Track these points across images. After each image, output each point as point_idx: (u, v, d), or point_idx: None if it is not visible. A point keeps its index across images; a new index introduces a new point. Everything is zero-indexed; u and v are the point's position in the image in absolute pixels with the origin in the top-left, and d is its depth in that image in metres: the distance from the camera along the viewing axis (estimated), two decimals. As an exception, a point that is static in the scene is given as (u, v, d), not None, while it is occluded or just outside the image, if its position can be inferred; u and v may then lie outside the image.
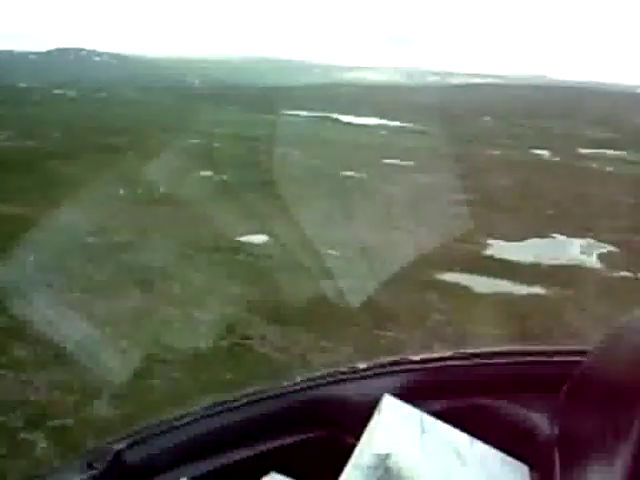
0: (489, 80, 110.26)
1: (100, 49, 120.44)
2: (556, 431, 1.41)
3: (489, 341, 11.71)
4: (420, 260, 17.64)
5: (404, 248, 17.96)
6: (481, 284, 17.06)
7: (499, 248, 20.26)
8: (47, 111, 51.39)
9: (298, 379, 1.67)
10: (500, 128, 58.78)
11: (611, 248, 21.26)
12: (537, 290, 16.93)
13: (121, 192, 22.81)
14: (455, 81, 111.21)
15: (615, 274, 19.00)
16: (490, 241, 20.90)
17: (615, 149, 52.29)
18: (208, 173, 27.37)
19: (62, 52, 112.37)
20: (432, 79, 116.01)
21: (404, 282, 15.89)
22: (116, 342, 10.85)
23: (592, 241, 21.76)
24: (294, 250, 16.95)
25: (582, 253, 20.68)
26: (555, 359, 1.65)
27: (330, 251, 17.66)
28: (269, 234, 19.44)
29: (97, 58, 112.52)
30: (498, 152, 44.64)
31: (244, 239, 19.24)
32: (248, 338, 11.90)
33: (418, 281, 16.54)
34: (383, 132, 52.86)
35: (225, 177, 26.53)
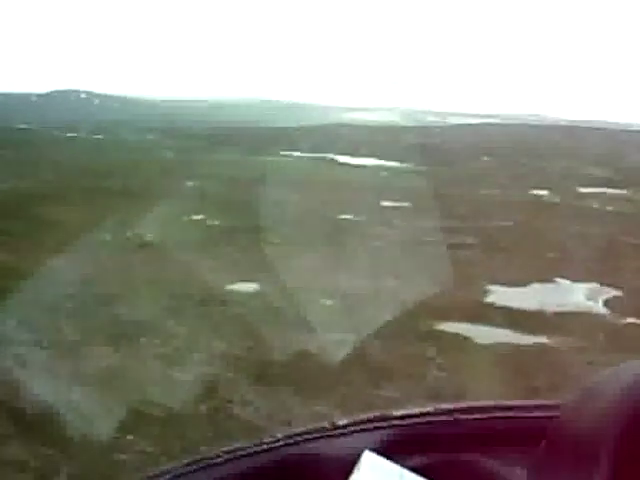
0: (487, 120, 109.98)
1: (100, 91, 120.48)
2: None
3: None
4: (418, 309, 16.74)
5: (401, 296, 17.07)
6: (483, 334, 16.09)
7: (500, 295, 19.30)
8: (44, 153, 50.85)
9: (278, 436, 1.62)
10: (499, 168, 58.09)
11: (616, 292, 20.32)
12: (542, 340, 15.98)
13: (107, 238, 21.92)
14: (454, 121, 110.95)
15: (622, 321, 18.05)
16: (491, 287, 19.94)
17: (615, 188, 51.65)
18: (200, 217, 26.52)
19: (62, 94, 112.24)
20: (431, 119, 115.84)
21: (401, 334, 14.97)
22: (83, 409, 9.85)
23: (597, 285, 20.81)
24: (285, 300, 16.05)
25: (587, 299, 19.74)
26: (535, 414, 1.63)
27: (323, 301, 16.75)
28: (260, 282, 18.50)
29: (97, 100, 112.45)
30: (497, 192, 43.88)
31: (234, 287, 18.29)
32: (230, 401, 10.89)
33: (416, 332, 15.61)
34: (382, 173, 52.18)
35: (217, 222, 25.68)
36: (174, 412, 10.20)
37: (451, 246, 23.57)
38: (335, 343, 13.60)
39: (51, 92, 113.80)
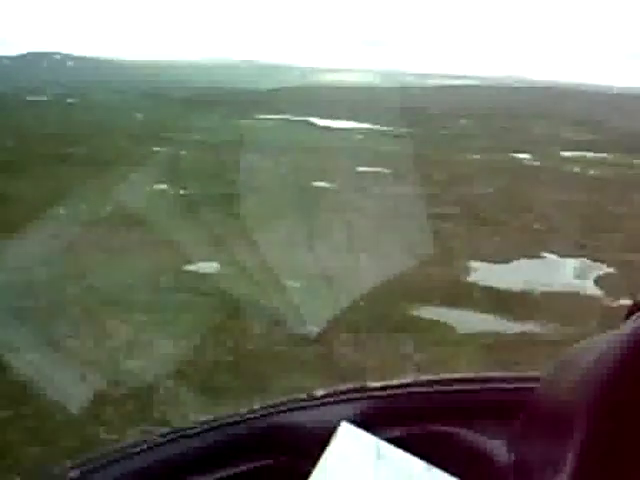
0: (466, 82, 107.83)
1: (75, 53, 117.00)
2: (512, 458, 1.38)
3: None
4: (394, 291, 14.99)
5: (375, 276, 15.26)
6: (465, 321, 14.31)
7: (484, 272, 17.47)
8: (8, 118, 48.32)
9: (256, 406, 1.57)
10: (478, 131, 56.22)
11: (607, 269, 18.58)
12: (530, 327, 14.24)
13: (61, 212, 19.88)
14: (432, 82, 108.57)
15: (615, 303, 16.32)
16: (473, 264, 18.12)
17: (596, 151, 50.09)
18: (164, 187, 24.48)
19: (36, 56, 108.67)
20: (408, 80, 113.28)
21: (373, 323, 13.21)
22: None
23: (586, 261, 19.06)
24: (245, 284, 14.21)
25: (577, 277, 17.95)
26: (514, 385, 1.61)
27: (289, 282, 14.89)
28: (221, 262, 16.59)
29: (71, 62, 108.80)
30: (477, 157, 42.02)
31: (192, 268, 16.36)
32: (167, 423, 9.04)
33: (390, 320, 13.82)
34: (359, 136, 50.13)
35: (183, 191, 23.69)
36: (97, 440, 8.40)
37: (430, 217, 21.73)
38: (299, 336, 11.87)
39: (24, 54, 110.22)
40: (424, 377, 1.64)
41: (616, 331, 1.16)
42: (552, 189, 29.97)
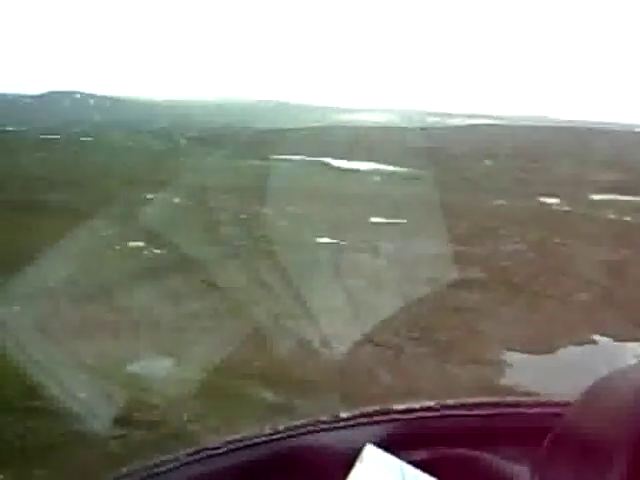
0: (488, 121, 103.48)
1: (96, 92, 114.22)
2: None
3: None
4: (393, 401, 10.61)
5: (371, 378, 11.07)
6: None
7: (522, 369, 13.02)
8: (12, 158, 44.73)
9: (280, 427, 1.53)
10: (503, 173, 51.86)
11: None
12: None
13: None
14: (453, 122, 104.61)
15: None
16: (508, 356, 13.71)
17: (627, 194, 45.64)
18: (139, 244, 20.34)
19: (57, 95, 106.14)
20: (429, 120, 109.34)
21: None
22: None
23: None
24: (207, 392, 10.01)
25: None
26: (537, 410, 1.54)
27: (262, 393, 10.67)
28: (178, 357, 12.32)
29: (92, 101, 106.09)
30: (503, 202, 37.66)
31: (136, 369, 12.06)
32: None
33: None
34: (376, 178, 45.96)
35: (159, 251, 19.53)
36: None
37: (451, 285, 17.43)
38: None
39: (46, 93, 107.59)
40: (449, 401, 1.54)
41: None
42: (591, 242, 25.52)
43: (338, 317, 14.01)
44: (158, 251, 19.30)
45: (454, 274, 18.48)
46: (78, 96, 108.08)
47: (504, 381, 12.44)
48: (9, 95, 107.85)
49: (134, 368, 11.76)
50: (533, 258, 21.61)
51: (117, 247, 19.31)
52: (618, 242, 25.93)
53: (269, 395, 11.41)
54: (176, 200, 29.11)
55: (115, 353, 11.97)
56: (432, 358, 12.73)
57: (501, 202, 37.33)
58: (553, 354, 13.81)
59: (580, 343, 14.45)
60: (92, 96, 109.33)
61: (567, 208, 38.42)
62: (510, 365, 13.04)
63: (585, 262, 21.63)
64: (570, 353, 13.90)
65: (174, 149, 55.19)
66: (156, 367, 11.83)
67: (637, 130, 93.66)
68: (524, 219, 30.76)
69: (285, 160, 52.91)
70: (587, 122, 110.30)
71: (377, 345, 13.05)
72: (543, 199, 41.12)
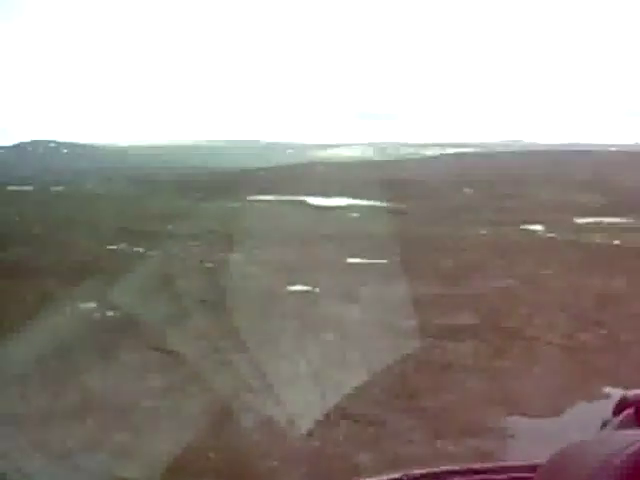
0: (463, 149, 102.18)
1: (70, 141, 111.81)
2: None
3: None
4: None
5: (355, 473, 8.85)
6: None
7: (529, 440, 10.74)
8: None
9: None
10: (483, 201, 50.05)
11: None
12: None
13: None
14: (430, 152, 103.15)
15: None
16: (509, 423, 11.45)
17: (611, 215, 43.94)
18: (91, 305, 18.02)
19: (31, 145, 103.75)
20: (406, 151, 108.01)
21: None
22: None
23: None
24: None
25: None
26: (505, 476, 1.60)
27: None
28: (110, 451, 9.98)
29: (65, 150, 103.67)
30: (485, 232, 35.66)
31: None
32: None
33: None
34: (354, 214, 43.87)
35: (112, 313, 17.22)
36: None
37: (438, 335, 15.22)
38: None
39: (19, 144, 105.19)
40: (417, 470, 1.57)
41: (611, 434, 1.16)
42: (583, 273, 23.44)
43: (308, 387, 11.79)
44: (110, 313, 16.99)
45: (440, 321, 16.34)
46: (53, 145, 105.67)
47: (511, 455, 10.18)
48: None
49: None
50: (525, 295, 19.48)
51: (67, 309, 17.01)
52: (612, 270, 23.93)
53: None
54: (139, 250, 26.87)
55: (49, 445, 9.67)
56: (421, 433, 10.50)
57: (484, 232, 35.35)
58: (562, 416, 11.58)
59: (591, 399, 12.25)
60: (66, 144, 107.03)
61: (552, 235, 36.55)
62: (514, 435, 10.79)
63: (581, 296, 19.56)
64: (582, 412, 11.68)
65: (145, 195, 53.01)
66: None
67: (612, 149, 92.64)
68: (510, 250, 28.74)
69: (259, 201, 50.92)
70: (562, 144, 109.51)
71: (355, 421, 10.81)
72: (526, 226, 39.23)
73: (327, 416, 10.77)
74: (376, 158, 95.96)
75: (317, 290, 19.97)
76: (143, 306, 17.09)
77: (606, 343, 15.18)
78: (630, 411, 1.21)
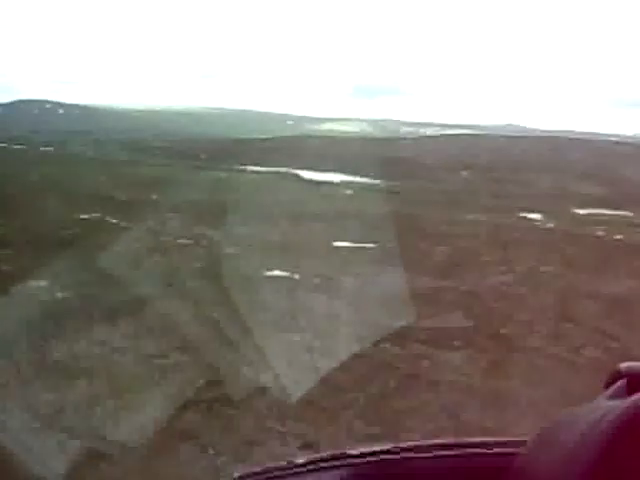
0: (464, 131, 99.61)
1: (67, 101, 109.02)
2: None
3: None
4: None
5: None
6: None
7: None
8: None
9: (235, 475, 1.54)
10: (481, 185, 47.88)
11: None
12: None
13: None
14: (428, 132, 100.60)
15: None
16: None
17: (613, 208, 41.91)
18: (42, 284, 15.81)
19: (26, 104, 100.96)
20: (404, 130, 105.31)
21: None
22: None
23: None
24: None
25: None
26: (494, 450, 1.55)
27: None
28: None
29: (61, 111, 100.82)
30: (483, 218, 33.51)
31: None
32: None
33: None
34: (347, 192, 41.60)
35: (62, 294, 15.06)
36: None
37: (427, 342, 13.14)
38: None
39: (15, 102, 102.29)
40: (403, 444, 1.51)
41: (600, 403, 1.17)
42: (585, 270, 21.38)
43: (270, 404, 9.71)
44: (60, 295, 14.85)
45: (430, 324, 14.23)
46: (49, 105, 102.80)
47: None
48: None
49: None
50: (524, 296, 17.38)
51: (19, 287, 14.85)
52: (617, 269, 21.93)
53: None
54: (112, 221, 24.66)
55: None
56: None
57: (481, 218, 33.20)
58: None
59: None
60: (62, 104, 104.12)
61: (551, 225, 34.52)
62: None
63: (585, 299, 17.49)
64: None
65: (135, 161, 50.69)
66: None
67: (614, 140, 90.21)
68: (507, 240, 26.64)
69: (251, 172, 48.68)
70: (565, 132, 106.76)
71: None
72: (525, 214, 37.18)
73: (293, 449, 8.73)
74: (375, 134, 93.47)
75: (296, 277, 17.81)
76: (99, 288, 15.01)
77: (617, 357, 13.06)
78: (621, 383, 1.20)
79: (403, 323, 13.31)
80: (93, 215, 25.65)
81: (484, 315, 15.29)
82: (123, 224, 24.05)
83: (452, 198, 39.81)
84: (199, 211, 26.84)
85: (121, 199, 29.91)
